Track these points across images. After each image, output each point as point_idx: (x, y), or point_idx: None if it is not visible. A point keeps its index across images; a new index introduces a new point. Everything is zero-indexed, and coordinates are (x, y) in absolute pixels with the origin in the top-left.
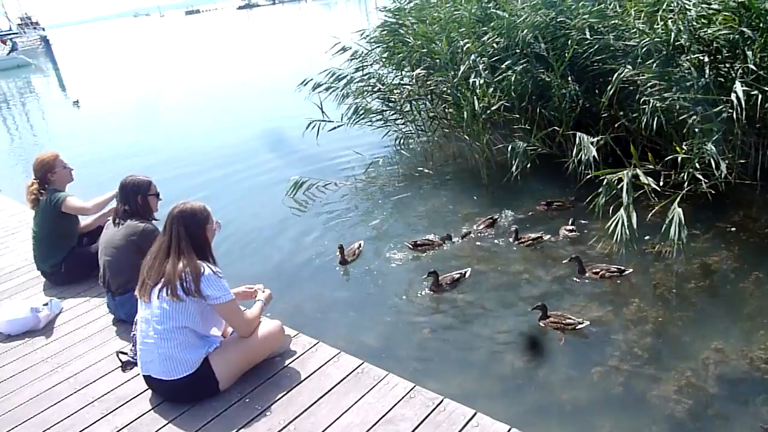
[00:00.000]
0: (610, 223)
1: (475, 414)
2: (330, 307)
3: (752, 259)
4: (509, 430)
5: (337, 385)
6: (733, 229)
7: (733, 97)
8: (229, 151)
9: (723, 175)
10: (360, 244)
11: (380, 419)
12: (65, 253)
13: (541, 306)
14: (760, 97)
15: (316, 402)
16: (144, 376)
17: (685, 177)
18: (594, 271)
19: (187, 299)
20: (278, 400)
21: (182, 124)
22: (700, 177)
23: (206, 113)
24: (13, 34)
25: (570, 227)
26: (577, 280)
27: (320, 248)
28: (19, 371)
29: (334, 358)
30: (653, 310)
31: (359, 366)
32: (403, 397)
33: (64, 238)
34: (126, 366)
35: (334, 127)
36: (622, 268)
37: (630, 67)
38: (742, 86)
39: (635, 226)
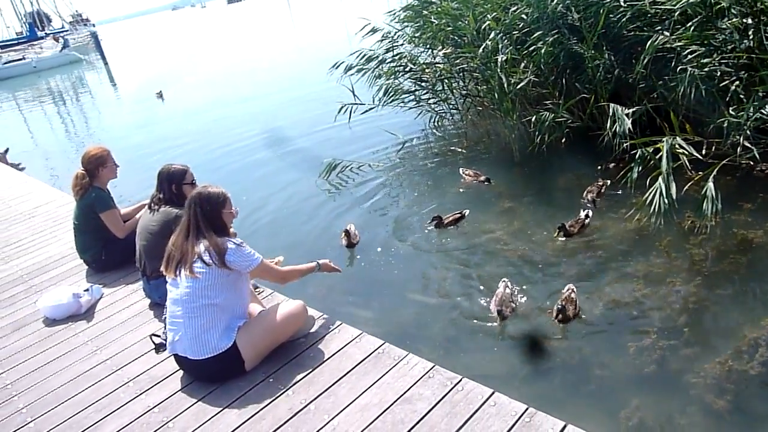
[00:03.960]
0: (647, 194)
1: (492, 393)
2: (357, 288)
3: None
4: (527, 409)
5: (357, 365)
6: None
7: None
8: (265, 136)
9: None
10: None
11: (398, 399)
12: (103, 243)
13: (561, 226)
14: None
15: (336, 382)
16: (174, 355)
17: (729, 147)
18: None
19: (211, 276)
20: (300, 380)
21: (223, 112)
22: (749, 145)
23: (246, 101)
24: (65, 31)
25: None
26: (607, 261)
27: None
28: (61, 354)
29: (356, 339)
30: (691, 286)
31: (380, 346)
32: (421, 377)
33: (102, 230)
34: (159, 348)
35: (367, 110)
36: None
37: (667, 33)
38: None
39: (674, 197)
